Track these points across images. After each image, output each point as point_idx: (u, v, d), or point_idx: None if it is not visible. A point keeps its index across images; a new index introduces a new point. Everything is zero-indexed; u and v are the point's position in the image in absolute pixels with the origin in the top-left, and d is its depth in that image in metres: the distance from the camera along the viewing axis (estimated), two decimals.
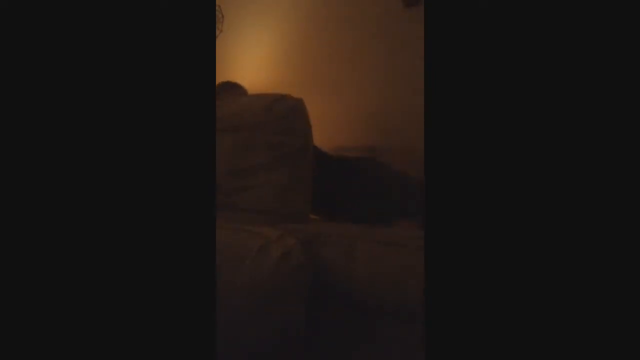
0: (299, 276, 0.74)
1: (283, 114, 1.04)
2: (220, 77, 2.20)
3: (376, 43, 1.89)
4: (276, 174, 1.01)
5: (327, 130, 2.01)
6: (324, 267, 0.81)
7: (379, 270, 0.79)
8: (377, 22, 1.88)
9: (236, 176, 1.01)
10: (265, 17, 2.17)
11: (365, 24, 1.91)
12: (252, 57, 2.22)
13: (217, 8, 2.24)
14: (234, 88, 1.31)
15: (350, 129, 1.94)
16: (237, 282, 0.69)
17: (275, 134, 1.02)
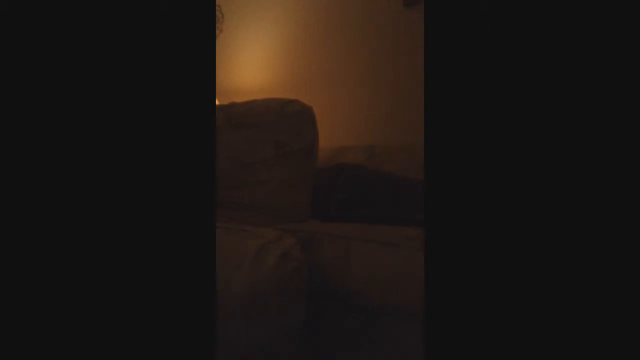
0: (298, 276, 0.74)
1: (292, 115, 1.06)
2: (220, 77, 2.21)
3: (376, 43, 1.89)
4: (278, 171, 1.02)
5: (327, 130, 2.01)
6: (322, 267, 0.81)
7: (377, 270, 0.79)
8: (377, 22, 1.89)
9: (239, 170, 1.02)
10: (266, 17, 2.17)
11: (365, 24, 1.91)
12: (252, 57, 2.22)
13: (217, 8, 2.24)
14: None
15: (350, 128, 1.94)
16: (237, 283, 0.69)
17: (281, 133, 1.04)
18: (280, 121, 1.06)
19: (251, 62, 2.23)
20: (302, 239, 0.83)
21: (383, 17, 1.87)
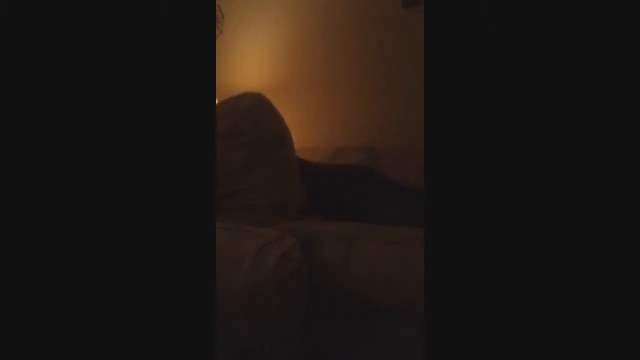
0: (299, 276, 0.74)
1: (248, 110, 1.05)
2: (220, 77, 2.21)
3: (376, 43, 1.89)
4: (259, 172, 1.02)
5: (326, 130, 2.01)
6: (322, 267, 0.81)
7: (377, 270, 0.79)
8: (376, 22, 1.89)
9: (221, 183, 1.01)
10: (266, 17, 2.17)
11: (365, 24, 1.92)
12: (252, 57, 2.22)
13: (217, 8, 2.24)
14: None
15: (350, 129, 1.94)
16: (237, 282, 0.69)
17: (247, 133, 1.03)
18: (239, 122, 1.04)
19: (251, 62, 2.23)
20: (302, 239, 0.83)
21: (383, 17, 1.87)
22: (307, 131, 2.01)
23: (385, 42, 1.86)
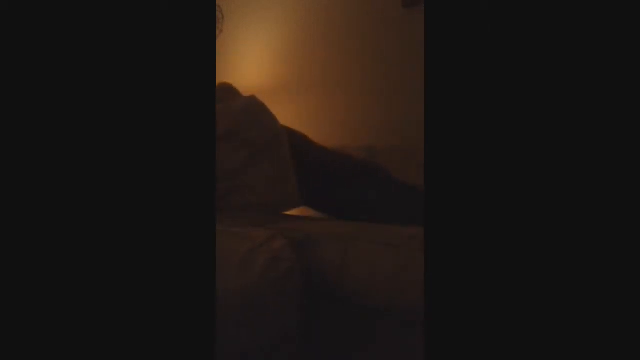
0: (289, 280, 0.74)
1: (244, 111, 1.06)
2: (221, 77, 2.20)
3: (376, 43, 1.89)
4: (259, 171, 1.03)
5: (326, 130, 2.01)
6: (321, 267, 0.81)
7: (376, 271, 0.79)
8: (376, 22, 1.88)
9: (220, 182, 1.02)
10: (266, 17, 2.17)
11: (365, 24, 1.91)
12: (252, 57, 2.22)
13: (217, 8, 2.24)
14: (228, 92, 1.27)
15: (350, 129, 1.94)
16: (223, 290, 0.68)
17: (246, 133, 1.04)
18: (234, 122, 1.05)
19: (251, 62, 2.22)
20: (300, 239, 0.83)
21: (383, 17, 1.86)
22: (307, 131, 2.01)
23: (385, 42, 1.86)
